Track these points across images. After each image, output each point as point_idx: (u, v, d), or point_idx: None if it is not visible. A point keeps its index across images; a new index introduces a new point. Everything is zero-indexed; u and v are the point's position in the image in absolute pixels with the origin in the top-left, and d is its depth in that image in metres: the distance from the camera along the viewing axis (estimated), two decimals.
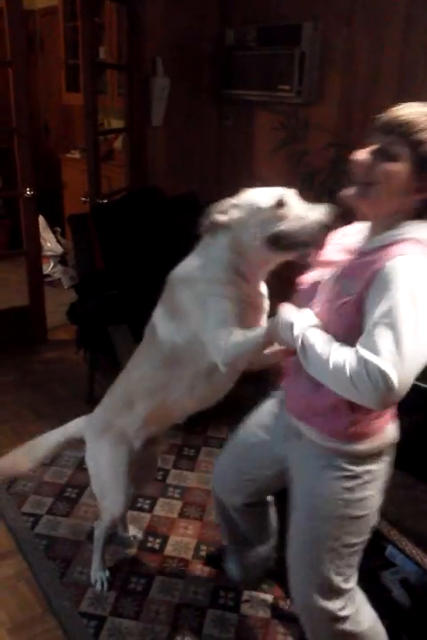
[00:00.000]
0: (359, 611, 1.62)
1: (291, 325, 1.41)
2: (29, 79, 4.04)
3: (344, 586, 1.57)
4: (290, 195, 1.55)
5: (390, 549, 2.08)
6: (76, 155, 5.83)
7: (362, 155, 1.40)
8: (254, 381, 2.00)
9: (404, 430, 2.04)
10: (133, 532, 2.50)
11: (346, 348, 1.32)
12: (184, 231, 2.03)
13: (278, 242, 1.53)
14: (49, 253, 5.43)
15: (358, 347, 1.28)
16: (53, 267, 5.47)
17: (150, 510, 2.65)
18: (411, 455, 2.06)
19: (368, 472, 1.50)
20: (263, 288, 1.73)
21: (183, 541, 2.49)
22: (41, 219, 4.91)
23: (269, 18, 3.84)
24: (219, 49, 4.12)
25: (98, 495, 2.12)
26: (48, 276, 5.21)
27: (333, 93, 3.59)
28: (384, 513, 1.85)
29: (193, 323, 1.64)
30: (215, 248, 1.62)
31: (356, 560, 1.58)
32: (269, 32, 3.80)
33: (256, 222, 1.54)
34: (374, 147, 1.38)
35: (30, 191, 3.90)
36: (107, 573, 2.27)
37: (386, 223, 1.40)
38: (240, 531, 2.08)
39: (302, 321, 1.42)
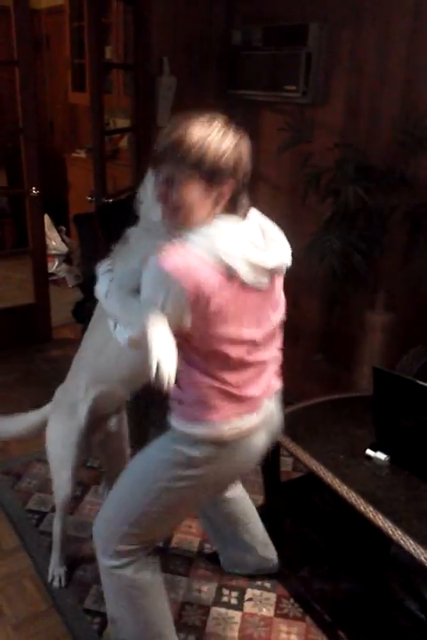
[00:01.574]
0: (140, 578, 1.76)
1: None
2: (35, 79, 4.05)
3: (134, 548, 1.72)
4: None
5: (394, 549, 2.08)
6: (82, 154, 5.85)
7: (159, 188, 1.47)
8: None
9: (408, 430, 2.05)
10: None
11: None
12: None
13: None
14: (54, 252, 5.45)
15: None
16: (58, 265, 5.49)
17: None
18: (414, 455, 2.07)
19: (194, 457, 1.59)
20: None
21: (187, 539, 2.49)
22: (46, 218, 4.92)
23: (276, 18, 3.84)
24: (225, 49, 4.12)
25: (52, 473, 2.16)
26: (53, 274, 5.22)
27: (339, 93, 3.59)
28: (388, 512, 1.87)
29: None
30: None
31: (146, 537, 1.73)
32: (276, 32, 3.79)
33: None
34: (163, 177, 1.45)
35: (36, 190, 3.92)
36: (65, 569, 2.27)
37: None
38: (218, 525, 2.20)
39: None
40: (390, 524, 1.83)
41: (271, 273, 1.53)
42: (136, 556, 1.74)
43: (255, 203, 1.63)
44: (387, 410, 2.12)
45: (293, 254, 1.60)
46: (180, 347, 1.43)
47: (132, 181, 4.33)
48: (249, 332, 1.52)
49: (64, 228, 5.83)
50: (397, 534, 1.80)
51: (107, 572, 1.78)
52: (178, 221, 1.48)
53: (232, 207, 1.51)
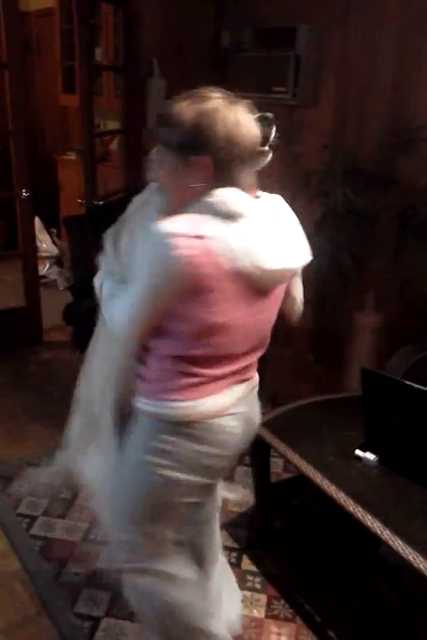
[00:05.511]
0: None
1: None
2: (25, 81, 4.04)
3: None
4: None
5: (383, 549, 2.09)
6: (73, 156, 5.84)
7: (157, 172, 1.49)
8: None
9: (396, 431, 2.07)
10: None
11: None
12: None
13: None
14: (45, 254, 5.44)
15: None
16: (49, 268, 5.48)
17: None
18: (403, 455, 2.08)
19: (176, 438, 1.50)
20: None
21: None
22: (37, 220, 4.91)
23: (265, 20, 3.86)
24: (214, 51, 4.13)
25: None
26: (44, 277, 5.22)
27: (328, 95, 3.61)
28: (377, 512, 1.88)
29: None
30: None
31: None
32: (265, 34, 3.81)
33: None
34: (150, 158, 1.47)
35: (26, 192, 3.91)
36: None
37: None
38: None
39: None
40: (379, 524, 1.84)
41: (273, 275, 1.42)
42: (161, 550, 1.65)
43: None
44: (376, 410, 2.13)
45: None
46: (163, 324, 1.41)
47: (122, 183, 4.33)
48: (235, 328, 1.44)
49: (55, 231, 5.81)
50: (385, 534, 1.81)
51: (136, 577, 1.69)
52: (172, 202, 1.44)
53: (224, 182, 1.39)
